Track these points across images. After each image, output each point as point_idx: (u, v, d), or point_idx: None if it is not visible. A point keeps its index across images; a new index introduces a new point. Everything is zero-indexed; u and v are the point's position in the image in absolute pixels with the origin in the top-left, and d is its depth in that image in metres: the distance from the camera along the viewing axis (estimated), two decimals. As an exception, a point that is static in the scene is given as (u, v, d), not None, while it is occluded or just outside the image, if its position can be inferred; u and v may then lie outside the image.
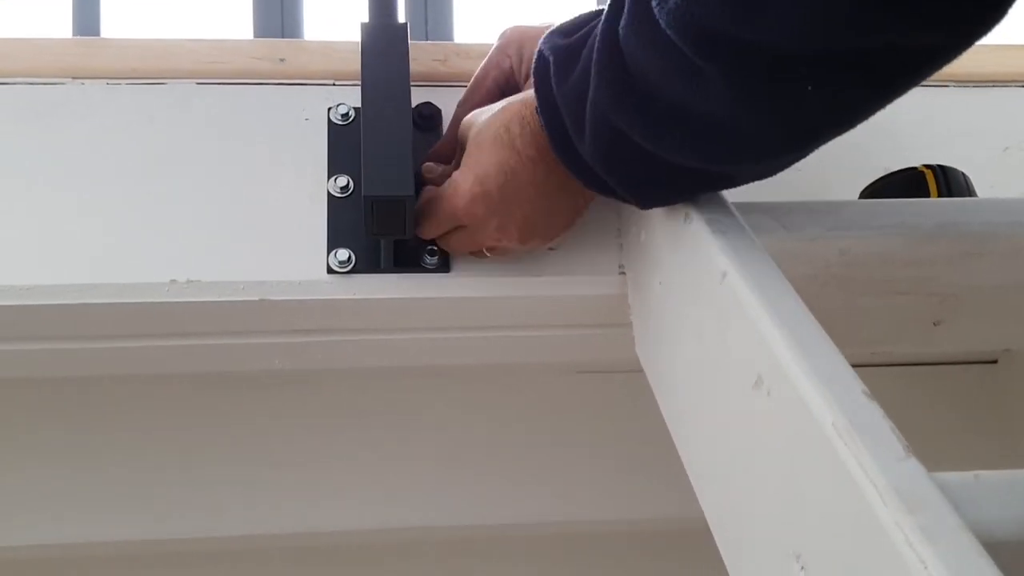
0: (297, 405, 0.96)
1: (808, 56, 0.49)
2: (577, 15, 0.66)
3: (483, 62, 0.77)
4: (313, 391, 0.96)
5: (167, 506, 0.93)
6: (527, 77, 0.74)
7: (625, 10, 0.55)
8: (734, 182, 0.62)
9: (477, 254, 0.75)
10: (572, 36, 0.63)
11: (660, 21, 0.51)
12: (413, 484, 0.97)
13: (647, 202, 0.66)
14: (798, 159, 0.58)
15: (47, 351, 0.74)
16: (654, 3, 0.51)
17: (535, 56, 0.65)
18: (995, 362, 1.10)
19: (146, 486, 0.93)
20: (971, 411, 1.07)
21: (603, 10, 0.59)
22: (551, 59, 0.63)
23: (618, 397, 0.99)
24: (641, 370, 0.77)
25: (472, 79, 0.78)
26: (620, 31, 0.55)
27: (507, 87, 0.76)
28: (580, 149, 0.63)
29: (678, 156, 0.58)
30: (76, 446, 0.90)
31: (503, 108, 0.69)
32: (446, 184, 0.71)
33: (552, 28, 0.67)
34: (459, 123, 0.74)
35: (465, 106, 0.77)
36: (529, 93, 0.67)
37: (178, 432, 0.93)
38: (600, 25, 0.58)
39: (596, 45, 0.58)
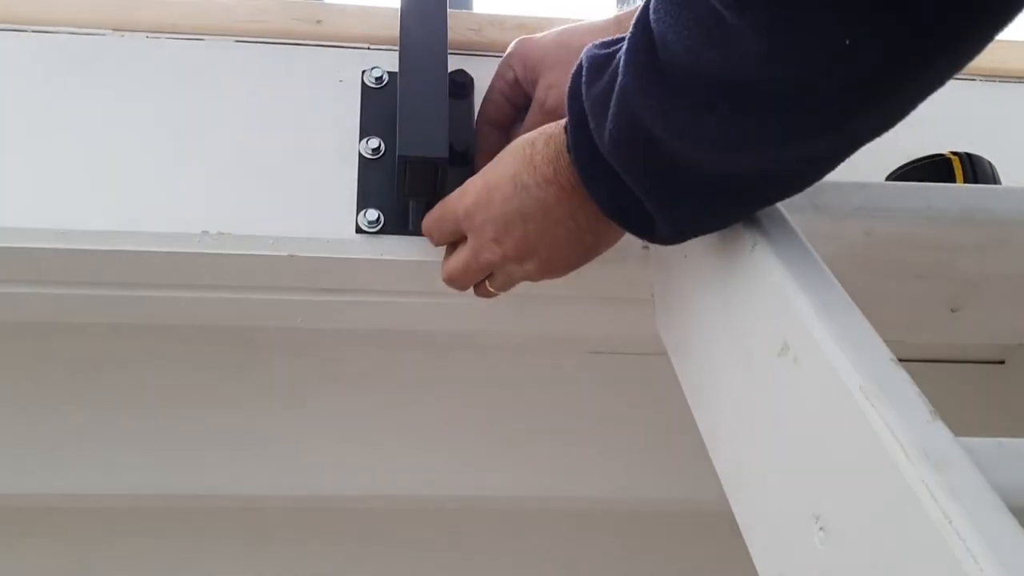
0: (313, 369, 0.97)
1: None
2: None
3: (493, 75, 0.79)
4: (329, 356, 0.97)
5: (174, 459, 0.94)
6: (534, 84, 0.75)
7: None
8: (775, 186, 0.57)
9: (479, 288, 0.73)
10: (612, 46, 0.59)
11: None
12: (419, 452, 0.98)
13: (676, 224, 0.60)
14: (853, 142, 0.53)
15: (78, 296, 0.76)
16: None
17: (574, 68, 0.61)
18: (1003, 362, 1.11)
19: (156, 439, 0.94)
20: (978, 411, 1.08)
21: None
22: (585, 64, 0.59)
23: (627, 379, 1.01)
24: (651, 353, 0.77)
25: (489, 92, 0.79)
26: (650, 9, 0.53)
27: (513, 96, 0.78)
28: (600, 147, 0.58)
29: (709, 150, 0.54)
30: (93, 393, 0.92)
31: (540, 128, 0.66)
32: (458, 188, 0.70)
33: (597, 41, 0.62)
34: (483, 139, 0.76)
35: (480, 118, 0.79)
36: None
37: (188, 386, 0.94)
38: (636, 15, 0.55)
39: (629, 35, 0.55)
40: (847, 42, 0.45)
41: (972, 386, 1.10)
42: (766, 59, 0.48)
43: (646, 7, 0.54)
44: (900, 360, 1.06)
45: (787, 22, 0.46)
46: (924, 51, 0.46)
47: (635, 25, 0.54)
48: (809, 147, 0.53)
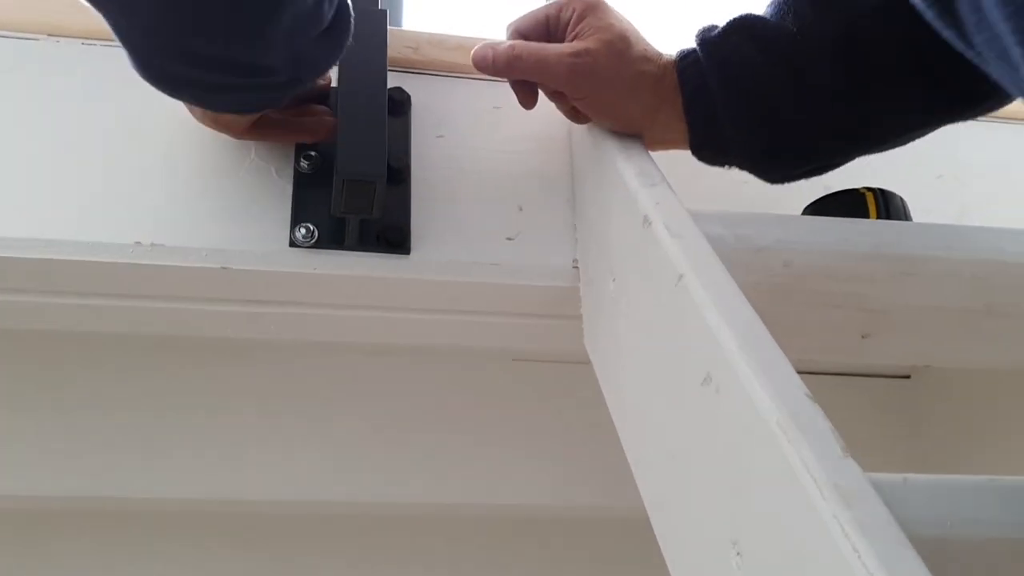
0: (247, 376, 0.97)
1: None
2: None
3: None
4: (262, 363, 0.97)
5: (107, 463, 0.93)
6: (576, 38, 0.76)
7: None
8: None
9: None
10: None
11: None
12: (344, 459, 0.99)
13: None
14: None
15: (8, 303, 0.75)
16: None
17: None
18: (908, 377, 1.16)
19: (94, 442, 0.93)
20: (885, 421, 1.13)
21: None
22: None
23: (553, 385, 1.03)
24: (576, 362, 0.79)
25: (534, 9, 0.79)
26: None
27: (554, 30, 0.78)
28: None
29: None
30: (30, 399, 0.91)
31: None
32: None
33: None
34: (515, 33, 0.78)
35: (511, 27, 0.79)
36: None
37: (128, 391, 0.94)
38: None
39: None
40: None
41: (880, 398, 1.15)
42: None
43: None
44: (816, 373, 1.11)
45: None
46: None
47: None
48: None
